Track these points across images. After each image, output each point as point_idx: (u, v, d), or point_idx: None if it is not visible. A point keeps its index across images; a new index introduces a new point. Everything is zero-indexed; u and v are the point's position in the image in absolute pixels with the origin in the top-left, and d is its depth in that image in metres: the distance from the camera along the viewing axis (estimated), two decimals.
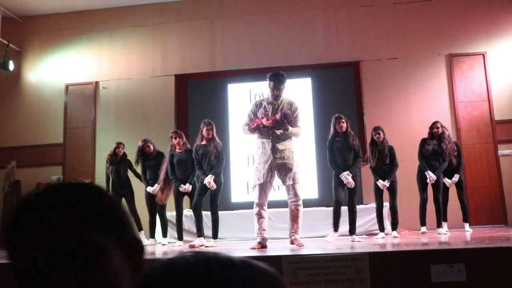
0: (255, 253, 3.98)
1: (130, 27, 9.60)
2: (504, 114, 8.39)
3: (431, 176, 6.37)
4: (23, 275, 0.72)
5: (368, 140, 7.56)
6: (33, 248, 0.71)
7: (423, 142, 6.62)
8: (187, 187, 6.17)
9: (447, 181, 6.59)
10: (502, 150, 8.34)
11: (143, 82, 9.37)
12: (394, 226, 6.18)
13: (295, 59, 9.02)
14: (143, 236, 7.10)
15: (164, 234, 6.84)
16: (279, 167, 4.80)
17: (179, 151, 6.38)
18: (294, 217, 4.87)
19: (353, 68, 8.90)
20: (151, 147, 7.03)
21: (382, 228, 6.24)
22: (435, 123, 6.70)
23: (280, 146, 4.81)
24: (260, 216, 4.96)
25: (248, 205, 7.24)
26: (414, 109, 8.52)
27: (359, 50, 8.91)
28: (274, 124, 4.74)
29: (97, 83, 9.49)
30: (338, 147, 5.76)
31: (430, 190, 6.59)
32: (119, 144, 7.49)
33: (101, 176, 9.01)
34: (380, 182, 6.12)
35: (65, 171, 9.22)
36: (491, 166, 8.30)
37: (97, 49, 9.65)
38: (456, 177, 6.65)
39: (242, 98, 8.99)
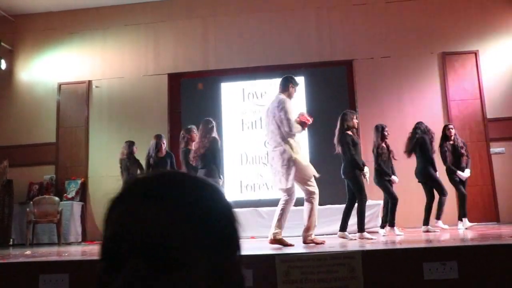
0: (249, 251, 3.98)
1: (123, 26, 9.57)
2: (496, 112, 8.44)
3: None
4: (104, 264, 0.65)
5: (361, 137, 7.62)
6: (120, 238, 0.65)
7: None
8: None
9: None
10: (494, 148, 8.38)
11: (136, 81, 9.34)
12: (392, 222, 6.23)
13: (288, 57, 9.02)
14: None
15: None
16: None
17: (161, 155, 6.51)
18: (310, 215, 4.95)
19: (346, 67, 8.93)
20: (164, 144, 7.06)
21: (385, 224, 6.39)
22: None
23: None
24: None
25: (242, 204, 7.26)
26: (407, 107, 8.55)
27: (352, 49, 8.93)
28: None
29: (90, 82, 9.46)
30: (355, 143, 5.78)
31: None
32: (132, 142, 7.51)
33: (94, 175, 9.01)
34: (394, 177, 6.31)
35: (58, 170, 9.19)
36: (483, 164, 8.34)
37: (90, 48, 9.61)
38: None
39: (236, 96, 9.00)
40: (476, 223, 7.21)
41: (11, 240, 8.25)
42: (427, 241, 4.55)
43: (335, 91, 8.71)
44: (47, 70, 9.64)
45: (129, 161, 7.36)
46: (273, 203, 7.42)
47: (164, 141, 7.00)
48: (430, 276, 2.93)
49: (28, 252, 5.20)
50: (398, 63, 8.77)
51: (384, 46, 8.85)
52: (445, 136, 7.04)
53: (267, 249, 4.28)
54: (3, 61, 9.10)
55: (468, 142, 8.29)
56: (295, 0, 9.25)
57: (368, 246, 3.90)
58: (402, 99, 8.65)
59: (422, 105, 8.57)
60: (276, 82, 8.76)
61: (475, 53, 8.65)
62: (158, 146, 6.89)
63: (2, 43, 9.22)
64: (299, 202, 5.20)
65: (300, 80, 8.79)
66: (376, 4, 9.02)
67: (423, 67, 8.74)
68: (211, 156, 5.80)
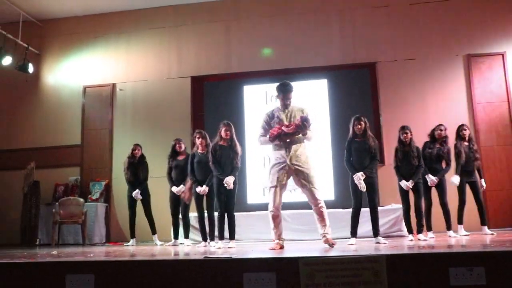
0: (271, 254, 3.97)
1: (147, 29, 9.68)
2: None
3: (431, 179, 6.39)
4: None
5: (385, 141, 7.50)
6: None
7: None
8: (204, 189, 6.19)
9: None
10: None
11: (160, 84, 9.43)
12: (420, 229, 6.02)
13: (311, 60, 9.00)
14: (156, 239, 7.19)
15: (186, 235, 6.86)
16: (296, 172, 4.92)
17: (200, 152, 6.37)
18: (320, 219, 4.98)
19: (369, 69, 8.86)
20: (182, 146, 7.04)
21: (410, 230, 6.14)
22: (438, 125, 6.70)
23: (295, 152, 4.94)
24: (277, 218, 5.05)
25: (264, 207, 7.23)
26: (431, 110, 8.43)
27: (376, 51, 8.86)
28: (296, 130, 4.86)
29: (114, 85, 9.59)
30: (356, 148, 5.68)
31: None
32: (135, 146, 7.56)
33: (118, 177, 9.11)
34: (404, 183, 6.07)
35: (83, 172, 9.34)
36: (510, 168, 8.18)
37: (114, 51, 9.75)
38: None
39: (258, 99, 9.00)
40: (500, 228, 7.07)
41: (38, 240, 8.42)
42: (454, 246, 4.46)
43: (358, 94, 8.64)
44: (72, 73, 9.82)
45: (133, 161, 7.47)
46: (296, 206, 7.43)
47: (183, 144, 7.03)
48: (456, 282, 2.87)
49: (54, 252, 5.29)
50: (422, 66, 8.66)
51: (408, 48, 8.76)
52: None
53: (291, 252, 4.26)
54: (30, 65, 9.29)
55: (494, 146, 8.19)
56: (318, 3, 9.22)
57: (393, 250, 3.85)
58: (426, 102, 8.54)
59: (447, 108, 8.45)
60: (299, 85, 8.81)
61: (502, 55, 8.50)
62: (175, 149, 6.96)
63: (30, 48, 9.42)
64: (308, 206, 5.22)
65: (323, 82, 8.82)
66: (399, 5, 8.93)
67: (448, 69, 8.62)
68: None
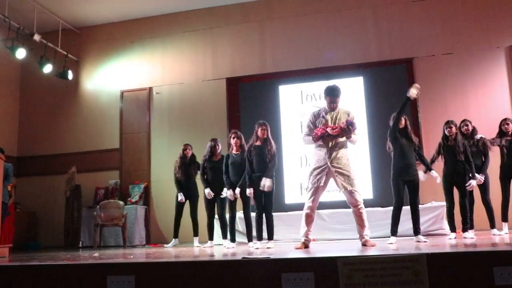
0: (310, 254, 3.95)
1: (181, 32, 9.79)
2: None
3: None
4: None
5: (424, 137, 7.33)
6: None
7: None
8: (231, 193, 6.13)
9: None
10: None
11: (195, 86, 9.52)
12: (465, 227, 5.81)
13: (346, 58, 8.90)
14: (196, 242, 7.18)
15: (224, 236, 6.80)
16: (337, 174, 4.96)
17: (235, 153, 6.35)
18: (360, 221, 5.00)
19: (406, 65, 8.69)
20: (220, 147, 6.97)
21: (453, 229, 5.94)
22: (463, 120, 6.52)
23: (337, 154, 4.99)
24: (309, 218, 5.10)
25: (302, 207, 7.22)
26: (471, 105, 8.20)
27: (412, 47, 8.68)
28: (340, 133, 4.93)
29: (150, 88, 9.74)
30: (402, 144, 5.58)
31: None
32: (186, 146, 7.53)
33: (156, 179, 9.25)
34: (477, 176, 5.98)
35: (122, 175, 9.53)
36: None
37: (150, 55, 9.91)
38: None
39: (294, 99, 8.96)
40: None
41: (80, 242, 8.64)
42: (498, 244, 4.33)
43: (395, 91, 8.45)
44: (110, 78, 10.04)
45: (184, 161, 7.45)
46: (334, 205, 7.37)
47: (219, 145, 7.00)
48: (501, 282, 2.79)
49: (96, 254, 5.40)
50: (461, 60, 8.43)
51: (445, 43, 8.54)
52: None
53: (329, 251, 4.22)
54: (70, 71, 9.55)
55: None
56: (352, 0, 9.11)
57: (434, 249, 3.77)
58: (467, 96, 8.31)
59: (488, 102, 8.20)
60: (334, 83, 8.72)
61: None
62: (212, 150, 6.92)
63: (69, 55, 9.68)
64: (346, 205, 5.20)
65: (359, 80, 8.71)
66: None
67: (489, 63, 8.35)
68: None
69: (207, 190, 6.75)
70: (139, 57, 9.97)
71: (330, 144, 5.00)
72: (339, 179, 4.95)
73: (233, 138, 6.37)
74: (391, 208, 5.61)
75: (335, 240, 6.75)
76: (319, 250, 4.66)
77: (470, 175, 5.95)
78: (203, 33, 9.70)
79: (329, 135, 4.93)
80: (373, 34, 8.92)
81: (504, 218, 6.40)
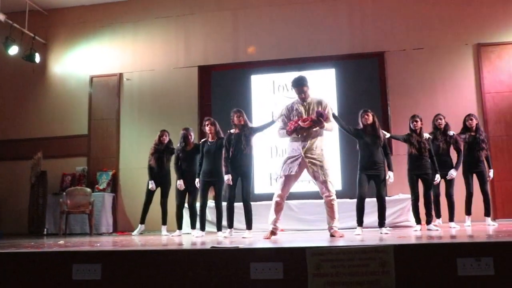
0: (279, 244, 3.96)
1: (154, 18, 9.65)
2: None
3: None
4: None
5: (393, 131, 7.44)
6: None
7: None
8: (227, 178, 5.86)
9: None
10: None
11: (167, 74, 9.41)
12: (429, 219, 5.90)
13: (319, 49, 8.94)
14: (164, 230, 7.07)
15: (193, 225, 6.69)
16: (311, 164, 4.98)
17: (210, 140, 6.24)
18: (331, 212, 5.03)
19: (378, 59, 8.79)
20: (192, 137, 6.82)
21: (418, 221, 6.02)
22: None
23: (311, 145, 5.01)
24: (279, 206, 5.14)
25: (271, 197, 7.25)
26: (440, 100, 8.36)
27: (384, 40, 8.78)
28: (312, 124, 4.95)
29: (121, 74, 9.58)
30: (367, 142, 5.66)
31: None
32: (163, 132, 7.30)
33: (125, 166, 9.13)
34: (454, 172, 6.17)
35: (90, 162, 9.38)
36: None
37: (121, 41, 9.73)
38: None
39: (266, 89, 8.96)
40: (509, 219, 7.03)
41: (45, 229, 8.47)
42: (462, 236, 4.44)
43: (366, 84, 8.58)
44: (79, 63, 9.82)
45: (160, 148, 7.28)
46: (303, 196, 7.41)
47: (192, 134, 6.88)
48: (464, 272, 2.85)
49: (61, 241, 5.30)
50: (431, 55, 8.58)
51: (417, 38, 8.67)
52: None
53: (298, 242, 4.25)
54: (37, 54, 9.29)
55: (503, 136, 8.11)
56: None
57: (400, 241, 3.83)
58: (435, 91, 8.47)
59: (455, 97, 8.38)
60: (306, 74, 8.74)
61: None
62: (185, 140, 6.80)
63: (37, 37, 9.41)
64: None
65: (331, 72, 8.76)
66: None
67: (458, 59, 8.53)
68: None
69: (180, 182, 6.64)
70: (109, 42, 9.78)
71: (304, 134, 5.01)
72: (313, 169, 4.97)
73: (207, 125, 6.26)
74: (353, 200, 5.67)
75: (303, 231, 6.80)
76: (288, 240, 4.69)
77: (435, 170, 6.06)
78: (175, 20, 9.58)
79: (301, 127, 4.96)
80: (346, 27, 8.97)
81: (468, 212, 6.57)
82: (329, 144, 7.20)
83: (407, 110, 7.55)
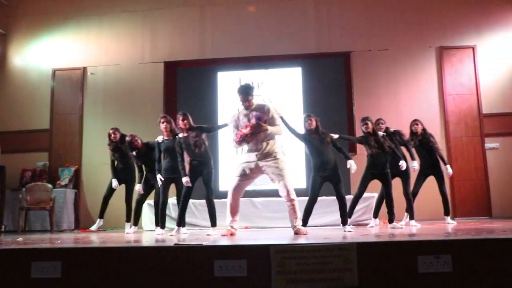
0: (243, 241, 3.96)
1: (120, 12, 9.49)
2: (491, 108, 8.46)
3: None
4: None
5: (358, 130, 7.55)
6: None
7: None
8: (186, 180, 5.76)
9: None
10: (489, 144, 8.41)
11: (132, 69, 9.27)
12: (391, 218, 5.99)
13: (286, 48, 8.98)
14: (128, 227, 6.96)
15: (157, 223, 6.58)
16: (266, 167, 5.03)
17: (166, 138, 6.17)
18: (292, 211, 5.06)
19: (344, 59, 8.89)
20: (139, 141, 6.66)
21: (350, 215, 6.05)
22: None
23: (264, 149, 5.04)
24: (234, 209, 5.18)
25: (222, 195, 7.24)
26: (403, 100, 8.54)
27: (350, 41, 8.89)
28: (254, 130, 4.94)
29: (85, 68, 9.38)
30: (315, 144, 5.69)
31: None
32: (111, 131, 7.09)
33: (88, 161, 8.96)
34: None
35: (51, 157, 9.14)
36: (477, 159, 8.37)
37: (85, 34, 9.52)
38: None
39: (232, 86, 8.92)
40: (466, 218, 7.21)
41: (3, 226, 8.18)
42: (422, 234, 4.54)
43: (332, 83, 8.66)
44: (41, 55, 9.55)
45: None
46: (267, 194, 7.43)
47: (137, 138, 6.65)
48: (424, 269, 2.91)
49: (20, 239, 5.16)
50: (396, 56, 8.74)
51: (382, 39, 8.82)
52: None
53: (262, 239, 4.26)
54: None
55: (463, 137, 8.35)
56: None
57: (363, 238, 3.89)
58: (399, 92, 8.63)
59: (418, 98, 8.58)
60: (273, 72, 8.79)
61: (473, 48, 8.65)
62: (131, 145, 6.60)
63: None
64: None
65: (297, 71, 8.81)
66: None
67: (421, 61, 8.73)
68: None
69: (138, 187, 6.59)
70: (73, 35, 9.55)
71: (254, 142, 5.03)
72: (269, 172, 5.02)
73: (163, 122, 6.17)
74: (325, 197, 5.70)
75: (268, 228, 6.82)
76: (252, 237, 4.69)
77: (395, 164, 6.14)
78: (142, 14, 9.44)
79: (246, 135, 4.94)
80: (313, 26, 9.04)
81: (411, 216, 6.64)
82: (294, 142, 7.26)
83: (372, 110, 7.66)
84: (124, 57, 9.35)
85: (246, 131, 4.92)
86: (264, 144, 5.03)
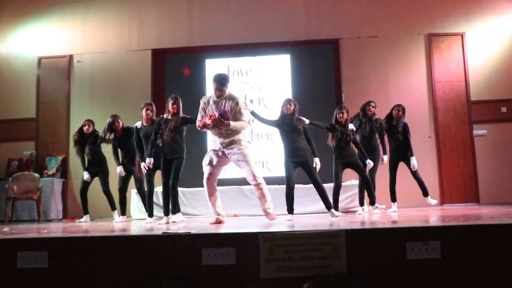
0: (231, 230, 3.95)
1: None
2: (480, 95, 8.48)
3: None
4: None
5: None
6: None
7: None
8: (148, 161, 5.81)
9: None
10: (477, 131, 8.44)
11: (119, 56, 9.15)
12: (372, 200, 6.12)
13: (275, 35, 8.91)
14: (116, 216, 6.90)
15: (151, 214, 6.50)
16: (231, 155, 5.20)
17: (145, 124, 6.15)
18: (260, 195, 5.27)
19: (333, 46, 8.84)
20: (120, 123, 6.65)
21: (335, 207, 6.03)
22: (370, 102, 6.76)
23: (228, 139, 5.19)
24: (212, 197, 5.31)
25: (226, 182, 7.23)
26: (392, 87, 8.53)
27: (339, 28, 8.85)
28: (215, 123, 5.08)
29: (71, 56, 9.25)
30: (287, 130, 5.67)
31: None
32: (86, 122, 7.00)
33: (75, 152, 8.84)
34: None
35: (38, 146, 9.04)
36: (465, 146, 8.41)
37: (71, 21, 9.37)
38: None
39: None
40: (454, 204, 7.26)
41: None
42: (411, 221, 4.55)
43: (321, 70, 8.63)
44: (26, 43, 9.39)
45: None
46: None
47: (120, 120, 6.64)
48: (413, 256, 2.93)
49: (6, 229, 5.10)
50: (385, 43, 8.72)
51: (371, 26, 8.78)
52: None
53: (251, 227, 4.24)
54: None
55: (451, 124, 8.37)
56: None
57: (353, 225, 3.89)
58: (388, 79, 8.62)
59: (407, 85, 8.57)
60: (262, 59, 8.73)
61: (461, 35, 8.65)
62: (111, 126, 6.59)
63: None
64: (277, 181, 5.46)
65: (286, 58, 8.77)
66: None
67: (410, 48, 8.71)
68: None
69: (119, 169, 6.57)
70: (59, 22, 9.39)
71: (222, 129, 5.14)
72: (234, 159, 5.20)
73: (146, 110, 6.16)
74: (306, 185, 5.72)
75: (257, 216, 6.81)
76: (240, 225, 4.69)
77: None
78: (129, 1, 9.31)
79: (208, 125, 5.08)
80: (302, 13, 8.98)
81: (393, 199, 6.72)
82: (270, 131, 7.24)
83: (360, 97, 7.65)
84: (111, 44, 9.22)
85: (208, 121, 5.06)
86: (230, 134, 5.16)
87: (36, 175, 8.01)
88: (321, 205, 5.91)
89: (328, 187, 5.84)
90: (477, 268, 2.88)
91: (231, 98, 5.29)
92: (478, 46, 8.60)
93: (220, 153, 5.21)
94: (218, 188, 6.98)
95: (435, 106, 8.46)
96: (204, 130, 5.29)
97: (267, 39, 8.92)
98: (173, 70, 8.97)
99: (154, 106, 6.31)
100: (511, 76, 8.50)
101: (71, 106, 9.12)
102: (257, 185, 5.18)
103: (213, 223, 5.09)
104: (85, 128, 6.96)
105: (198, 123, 5.30)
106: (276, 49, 8.93)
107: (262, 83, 8.64)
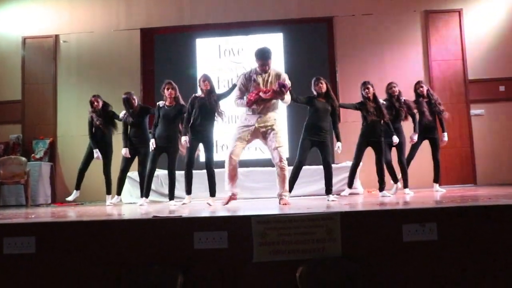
0: (223, 212, 3.86)
1: None
2: (477, 73, 8.37)
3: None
4: None
5: (341, 97, 7.44)
6: None
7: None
8: (185, 139, 5.81)
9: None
10: (474, 110, 8.36)
11: (107, 36, 8.94)
12: (381, 187, 5.96)
13: (267, 13, 8.74)
14: (108, 199, 6.75)
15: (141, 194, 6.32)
16: (264, 133, 5.06)
17: (168, 105, 6.09)
18: (282, 179, 5.07)
19: (327, 24, 8.69)
20: (136, 100, 6.53)
21: (351, 184, 6.28)
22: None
23: (265, 116, 5.05)
24: (232, 172, 5.14)
25: (218, 165, 7.10)
26: (388, 66, 8.40)
27: (333, 5, 8.68)
28: (273, 96, 4.96)
29: (57, 36, 9.01)
30: (318, 107, 5.67)
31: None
32: (93, 99, 6.77)
33: (63, 133, 8.71)
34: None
35: (25, 129, 8.84)
36: (462, 126, 8.33)
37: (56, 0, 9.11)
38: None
39: (211, 53, 8.72)
40: (450, 185, 7.21)
41: None
42: (407, 203, 4.51)
43: (315, 49, 8.51)
44: (10, 22, 9.12)
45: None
46: (250, 164, 7.33)
47: (135, 97, 6.54)
48: (409, 238, 2.95)
49: None
50: (380, 21, 8.57)
51: (365, 3, 8.63)
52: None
53: (243, 210, 4.18)
54: None
55: (448, 104, 8.24)
56: None
57: (347, 208, 3.82)
58: (383, 57, 8.49)
59: (403, 64, 8.45)
60: (254, 38, 8.57)
61: (459, 12, 8.51)
62: (129, 103, 6.42)
63: None
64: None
65: (279, 36, 8.61)
66: None
67: (406, 26, 8.57)
68: None
69: (124, 151, 6.42)
70: (44, 1, 9.13)
71: (261, 107, 5.03)
72: (265, 138, 5.06)
73: (168, 89, 6.09)
74: (309, 167, 5.65)
75: (249, 199, 6.73)
76: (233, 208, 4.62)
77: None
78: None
79: (262, 99, 4.97)
80: None
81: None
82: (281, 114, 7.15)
83: (355, 77, 7.54)
84: (98, 24, 9.00)
85: (266, 95, 4.93)
86: (267, 112, 5.06)
87: (23, 159, 7.87)
88: (315, 188, 5.87)
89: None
90: (474, 250, 2.87)
91: (277, 73, 5.17)
92: (476, 23, 8.45)
93: (252, 129, 5.05)
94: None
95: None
96: (249, 107, 5.07)
97: (259, 18, 8.75)
98: (162, 50, 8.79)
99: (174, 84, 6.18)
100: (509, 54, 8.38)
101: (58, 88, 8.91)
102: (282, 168, 5.01)
103: (226, 202, 5.11)
104: (94, 104, 6.76)
105: (238, 100, 5.16)
106: (269, 27, 8.77)
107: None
